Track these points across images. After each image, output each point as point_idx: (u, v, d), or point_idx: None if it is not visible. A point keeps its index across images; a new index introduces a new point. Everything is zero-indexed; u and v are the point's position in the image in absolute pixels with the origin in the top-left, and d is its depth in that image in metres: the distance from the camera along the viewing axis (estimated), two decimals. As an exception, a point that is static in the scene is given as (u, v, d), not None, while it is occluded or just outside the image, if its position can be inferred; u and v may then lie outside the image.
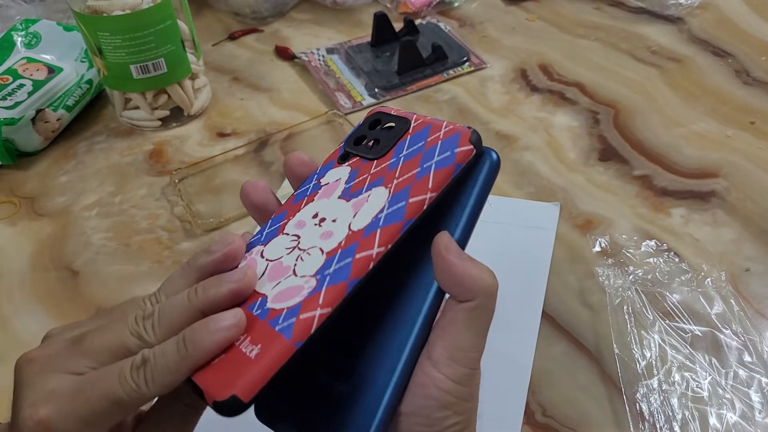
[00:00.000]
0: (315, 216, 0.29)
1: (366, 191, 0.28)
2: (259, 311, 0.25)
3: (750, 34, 0.76)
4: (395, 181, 0.28)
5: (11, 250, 0.56)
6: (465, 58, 0.74)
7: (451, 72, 0.73)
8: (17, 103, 0.64)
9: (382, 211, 0.27)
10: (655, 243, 0.52)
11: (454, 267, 0.26)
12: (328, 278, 0.25)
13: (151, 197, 0.60)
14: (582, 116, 0.66)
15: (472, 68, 0.73)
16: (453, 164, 0.27)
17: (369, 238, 0.26)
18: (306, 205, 0.29)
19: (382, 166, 0.29)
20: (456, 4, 0.84)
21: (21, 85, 0.66)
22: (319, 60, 0.76)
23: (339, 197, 0.29)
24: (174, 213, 0.58)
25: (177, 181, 0.60)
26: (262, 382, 0.23)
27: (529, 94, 0.70)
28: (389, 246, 0.26)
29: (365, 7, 0.84)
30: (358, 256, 0.25)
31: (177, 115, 0.68)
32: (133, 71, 0.62)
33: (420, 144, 0.28)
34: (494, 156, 0.28)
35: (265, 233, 0.29)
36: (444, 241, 0.27)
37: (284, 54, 0.77)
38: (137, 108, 0.66)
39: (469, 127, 0.28)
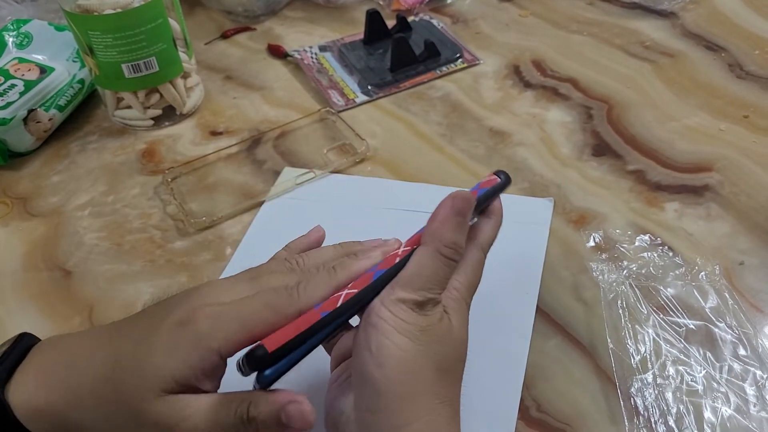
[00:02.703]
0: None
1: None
2: None
3: (743, 28, 0.76)
4: None
5: (3, 251, 0.56)
6: (458, 55, 0.74)
7: (444, 69, 0.72)
8: (9, 104, 0.64)
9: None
10: (649, 237, 0.52)
11: (444, 227, 0.34)
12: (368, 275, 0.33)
13: (143, 196, 0.60)
14: (575, 112, 0.66)
15: (465, 65, 0.73)
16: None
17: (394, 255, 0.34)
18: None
19: None
20: (449, 1, 0.84)
21: (12, 86, 0.66)
22: (311, 58, 0.76)
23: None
24: (167, 212, 0.58)
25: (170, 180, 0.60)
26: (288, 337, 0.30)
27: (522, 90, 0.69)
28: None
29: (358, 4, 0.84)
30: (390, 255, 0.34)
31: (169, 114, 0.68)
32: (124, 70, 0.62)
33: None
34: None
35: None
36: (464, 196, 0.34)
37: (277, 52, 0.77)
38: (129, 107, 0.66)
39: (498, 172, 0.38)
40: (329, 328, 0.31)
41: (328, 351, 0.38)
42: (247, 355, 0.30)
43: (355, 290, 0.32)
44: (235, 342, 0.30)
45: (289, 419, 0.30)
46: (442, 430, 0.30)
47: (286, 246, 0.38)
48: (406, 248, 0.34)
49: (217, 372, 0.31)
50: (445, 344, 0.32)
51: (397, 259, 0.33)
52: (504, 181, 0.38)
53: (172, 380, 0.30)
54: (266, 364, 0.30)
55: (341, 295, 0.31)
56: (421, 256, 0.33)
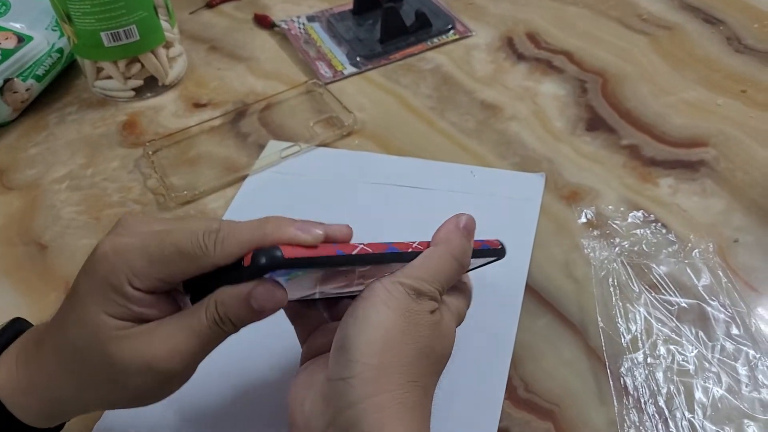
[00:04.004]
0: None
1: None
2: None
3: (742, 1, 0.74)
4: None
5: (-22, 225, 0.54)
6: (450, 26, 0.71)
7: (435, 40, 0.70)
8: (-16, 73, 0.62)
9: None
10: (642, 214, 0.51)
11: (453, 234, 0.35)
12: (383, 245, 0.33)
13: (123, 170, 0.58)
14: (569, 85, 0.64)
15: (457, 36, 0.71)
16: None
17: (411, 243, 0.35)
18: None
19: None
20: (441, -29, 0.82)
21: (-12, 54, 0.64)
22: (299, 28, 0.73)
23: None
24: (147, 186, 0.56)
25: (151, 153, 0.58)
26: (303, 255, 0.29)
27: (515, 62, 0.68)
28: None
29: (348, -27, 0.82)
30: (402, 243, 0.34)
31: (151, 86, 0.66)
32: (104, 38, 0.60)
33: None
34: None
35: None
36: (469, 216, 0.36)
37: (263, 22, 0.75)
38: (110, 78, 0.64)
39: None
40: (335, 269, 0.31)
41: (302, 342, 0.37)
42: (259, 251, 0.28)
43: (370, 250, 0.32)
44: (147, 276, 0.29)
45: (260, 302, 0.29)
46: (409, 408, 0.30)
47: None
48: (418, 247, 0.34)
49: (154, 301, 0.30)
50: (431, 333, 0.32)
51: (410, 249, 0.34)
52: (502, 249, 0.39)
53: (109, 317, 0.29)
54: (274, 267, 0.28)
55: (358, 246, 0.32)
56: (430, 252, 0.34)
